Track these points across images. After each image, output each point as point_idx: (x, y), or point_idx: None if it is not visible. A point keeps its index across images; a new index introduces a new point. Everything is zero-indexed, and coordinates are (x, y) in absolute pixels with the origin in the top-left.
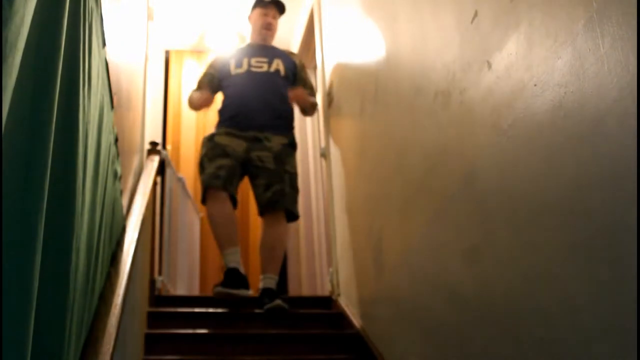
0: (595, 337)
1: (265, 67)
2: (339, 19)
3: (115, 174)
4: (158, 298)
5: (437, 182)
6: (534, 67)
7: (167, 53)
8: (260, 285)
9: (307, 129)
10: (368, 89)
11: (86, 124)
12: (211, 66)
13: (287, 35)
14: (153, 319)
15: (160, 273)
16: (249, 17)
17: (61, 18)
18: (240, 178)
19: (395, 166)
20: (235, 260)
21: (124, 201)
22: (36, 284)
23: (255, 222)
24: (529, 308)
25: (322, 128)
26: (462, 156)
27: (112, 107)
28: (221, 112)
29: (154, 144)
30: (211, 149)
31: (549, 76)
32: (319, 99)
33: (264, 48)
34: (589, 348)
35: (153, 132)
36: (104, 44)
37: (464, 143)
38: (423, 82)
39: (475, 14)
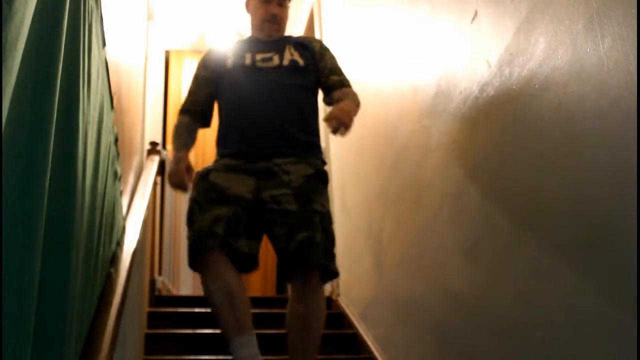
0: (596, 337)
1: (276, 61)
2: (339, 19)
3: (115, 174)
4: (158, 298)
5: (437, 181)
6: (534, 67)
7: (167, 53)
8: None
9: None
10: (368, 89)
11: (86, 124)
12: (202, 67)
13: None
14: (153, 319)
15: (160, 273)
16: (246, 5)
17: (61, 18)
18: (256, 229)
19: (395, 166)
20: (251, 354)
21: (124, 201)
22: (36, 284)
23: None
24: (529, 308)
25: (322, 128)
26: (462, 156)
27: (112, 107)
28: (219, 136)
29: (154, 144)
30: (203, 192)
31: (549, 76)
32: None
33: (270, 42)
34: (589, 348)
35: (153, 132)
36: (104, 44)
37: (464, 143)
38: (423, 82)
39: (475, 14)
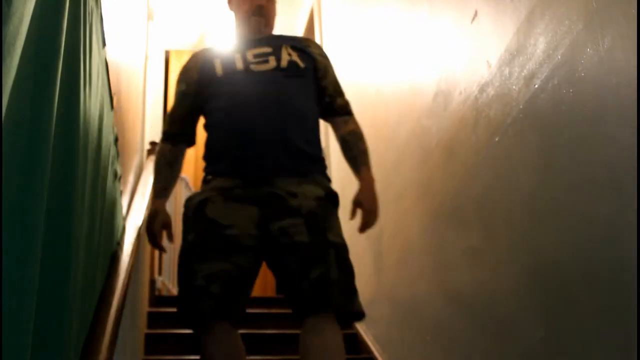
0: (596, 337)
1: (272, 62)
2: (339, 19)
3: (115, 174)
4: (158, 298)
5: (437, 182)
6: (534, 67)
7: (167, 53)
8: None
9: None
10: (368, 89)
11: (86, 124)
12: (182, 80)
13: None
14: (153, 319)
15: (160, 273)
16: (229, 2)
17: (61, 18)
18: (255, 275)
19: (395, 166)
20: None
21: (124, 201)
22: (36, 284)
23: None
24: (529, 308)
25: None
26: (462, 156)
27: (112, 107)
28: (209, 151)
29: (154, 144)
30: (201, 234)
31: (549, 76)
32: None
33: (262, 38)
34: (590, 348)
35: (153, 132)
36: (104, 44)
37: (464, 143)
38: (423, 82)
39: (475, 14)
